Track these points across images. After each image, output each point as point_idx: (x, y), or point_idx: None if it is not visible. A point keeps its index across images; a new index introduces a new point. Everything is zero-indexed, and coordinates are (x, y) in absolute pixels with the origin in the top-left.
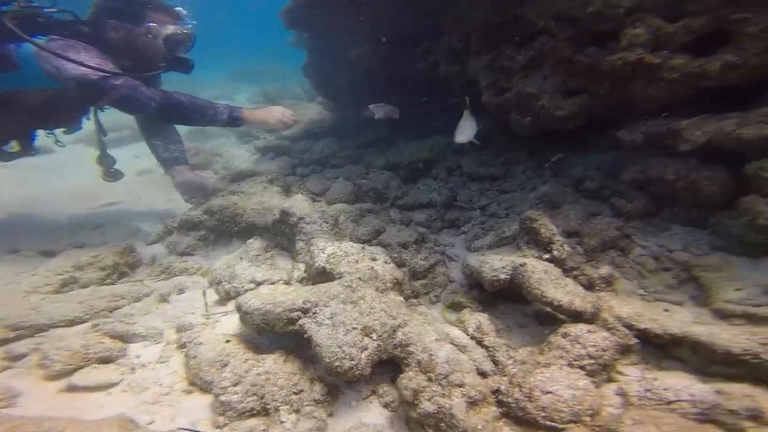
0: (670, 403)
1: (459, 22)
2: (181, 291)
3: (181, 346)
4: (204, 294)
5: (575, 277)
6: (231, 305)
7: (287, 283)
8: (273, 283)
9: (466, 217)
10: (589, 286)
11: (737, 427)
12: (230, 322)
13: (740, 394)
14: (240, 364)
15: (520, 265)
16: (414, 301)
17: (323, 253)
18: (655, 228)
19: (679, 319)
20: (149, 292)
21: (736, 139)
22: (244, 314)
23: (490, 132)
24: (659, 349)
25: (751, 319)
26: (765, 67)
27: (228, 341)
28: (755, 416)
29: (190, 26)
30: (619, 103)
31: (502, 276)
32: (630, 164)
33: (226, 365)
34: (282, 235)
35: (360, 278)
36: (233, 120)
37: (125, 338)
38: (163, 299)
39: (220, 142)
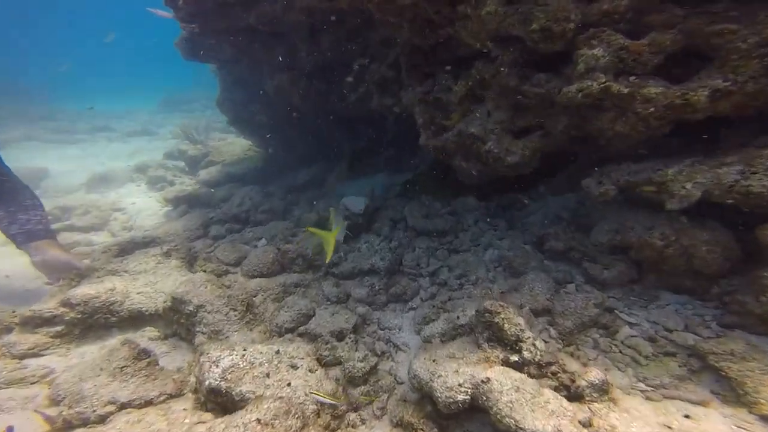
0: None
1: (386, 46)
2: None
3: None
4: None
5: (553, 375)
6: None
7: (174, 396)
8: (146, 404)
9: (414, 287)
10: (576, 396)
11: None
12: None
13: None
14: None
15: (483, 381)
16: (353, 417)
17: (216, 367)
18: (640, 297)
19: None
20: None
21: (743, 193)
22: None
23: (434, 173)
24: None
25: None
26: (764, 94)
27: None
28: None
29: None
30: (580, 140)
31: (460, 397)
32: (599, 218)
33: None
34: (179, 324)
35: (260, 419)
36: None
37: None
38: None
39: (126, 191)
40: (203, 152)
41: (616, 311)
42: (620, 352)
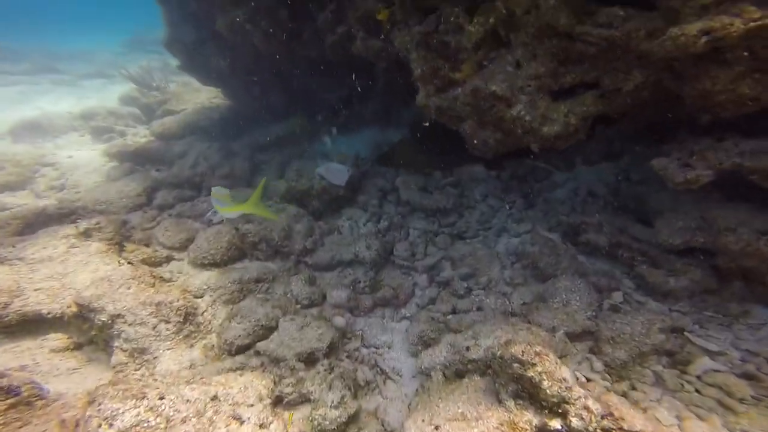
0: None
1: None
2: None
3: None
4: None
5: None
6: None
7: None
8: None
9: (407, 287)
10: None
11: None
12: None
13: None
14: None
15: None
16: None
17: (110, 427)
18: (719, 313)
19: None
20: None
21: None
22: None
23: (433, 134)
24: None
25: None
26: None
27: None
28: None
29: None
30: (662, 105)
31: None
32: (662, 205)
33: None
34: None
35: None
36: None
37: None
38: None
39: (66, 141)
40: (160, 99)
41: (685, 333)
42: (697, 391)
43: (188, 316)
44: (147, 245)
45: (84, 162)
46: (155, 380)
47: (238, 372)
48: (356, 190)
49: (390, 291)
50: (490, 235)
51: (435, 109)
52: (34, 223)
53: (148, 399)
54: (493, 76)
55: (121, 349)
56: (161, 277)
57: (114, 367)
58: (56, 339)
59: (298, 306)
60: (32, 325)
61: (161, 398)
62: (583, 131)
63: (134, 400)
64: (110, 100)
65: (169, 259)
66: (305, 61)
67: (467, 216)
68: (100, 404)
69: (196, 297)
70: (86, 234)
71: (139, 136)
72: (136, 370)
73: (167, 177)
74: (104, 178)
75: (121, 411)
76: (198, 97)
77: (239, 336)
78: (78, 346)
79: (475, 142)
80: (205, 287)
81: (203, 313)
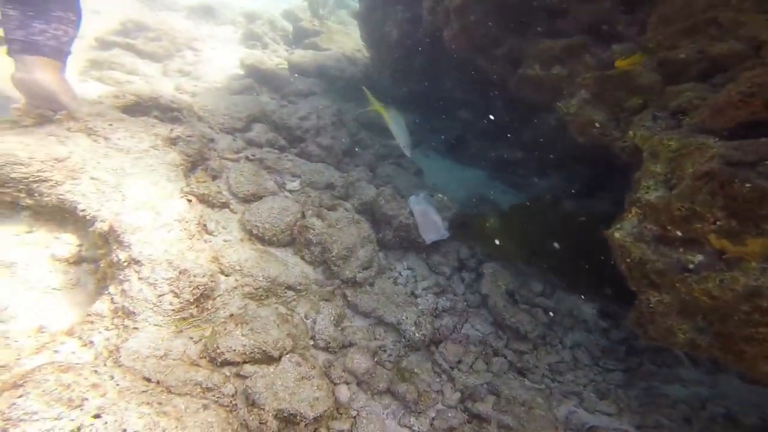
0: None
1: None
2: None
3: None
4: None
5: None
6: None
7: None
8: None
9: (433, 392)
10: None
11: None
12: None
13: None
14: None
15: None
16: None
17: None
18: None
19: None
20: None
21: None
22: None
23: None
24: None
25: None
26: None
27: None
28: None
29: None
30: None
31: None
32: None
33: None
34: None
35: None
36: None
37: None
38: None
39: (221, 32)
40: (315, 29)
41: None
42: None
43: (201, 297)
44: (214, 178)
45: (219, 58)
46: (106, 364)
47: (203, 401)
48: (435, 244)
49: (413, 392)
50: (555, 390)
51: (636, 261)
52: (143, 105)
53: (82, 410)
54: None
55: (112, 299)
56: (205, 227)
57: (88, 315)
58: (67, 243)
59: (311, 342)
60: (60, 215)
61: (96, 416)
62: None
63: (63, 408)
64: (278, 9)
65: (224, 206)
66: (480, 82)
67: (541, 353)
68: (19, 399)
69: (222, 273)
70: (172, 141)
71: (276, 55)
72: (106, 329)
73: (276, 116)
74: (224, 82)
75: (33, 418)
76: (347, 42)
77: (235, 349)
78: (79, 260)
79: (658, 330)
80: (238, 268)
81: (217, 297)
